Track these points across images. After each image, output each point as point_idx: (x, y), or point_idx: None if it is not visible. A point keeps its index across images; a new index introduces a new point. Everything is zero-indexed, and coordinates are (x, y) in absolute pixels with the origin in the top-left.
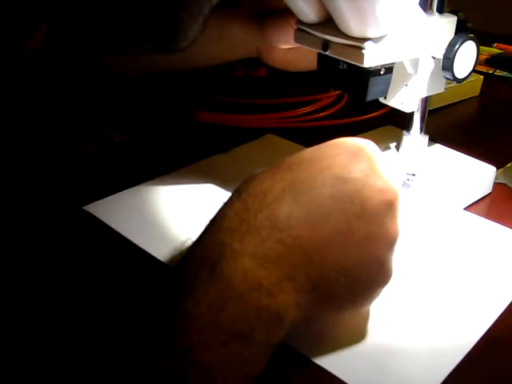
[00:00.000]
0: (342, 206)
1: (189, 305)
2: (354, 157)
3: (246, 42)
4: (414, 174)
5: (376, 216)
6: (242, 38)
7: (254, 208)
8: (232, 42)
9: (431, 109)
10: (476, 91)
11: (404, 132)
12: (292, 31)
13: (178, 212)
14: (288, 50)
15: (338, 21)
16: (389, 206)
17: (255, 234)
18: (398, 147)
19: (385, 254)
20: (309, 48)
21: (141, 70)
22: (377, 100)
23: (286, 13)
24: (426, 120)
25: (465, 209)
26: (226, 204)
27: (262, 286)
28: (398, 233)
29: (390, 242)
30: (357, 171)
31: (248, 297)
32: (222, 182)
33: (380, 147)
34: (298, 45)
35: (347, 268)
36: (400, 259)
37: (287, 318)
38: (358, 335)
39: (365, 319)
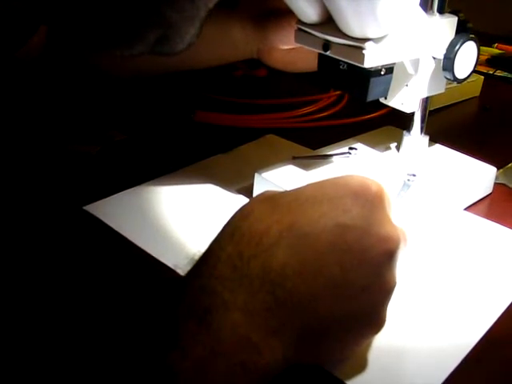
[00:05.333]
0: (340, 255)
1: (174, 358)
2: (358, 199)
3: (247, 43)
4: (414, 175)
5: (374, 267)
6: (243, 38)
7: (247, 253)
8: (232, 42)
9: (431, 109)
10: (476, 91)
11: (404, 132)
12: (293, 31)
13: (178, 212)
14: (288, 50)
15: (338, 21)
16: (389, 257)
17: (247, 284)
18: (398, 148)
19: (380, 305)
20: (309, 48)
21: (141, 71)
22: (377, 100)
23: (287, 13)
24: (426, 120)
25: (465, 209)
26: (218, 239)
27: (250, 341)
28: (395, 283)
29: (386, 294)
30: (358, 217)
31: (236, 353)
32: (222, 182)
33: (380, 147)
34: (298, 45)
35: (339, 319)
36: (400, 259)
37: (273, 373)
38: None
39: None
